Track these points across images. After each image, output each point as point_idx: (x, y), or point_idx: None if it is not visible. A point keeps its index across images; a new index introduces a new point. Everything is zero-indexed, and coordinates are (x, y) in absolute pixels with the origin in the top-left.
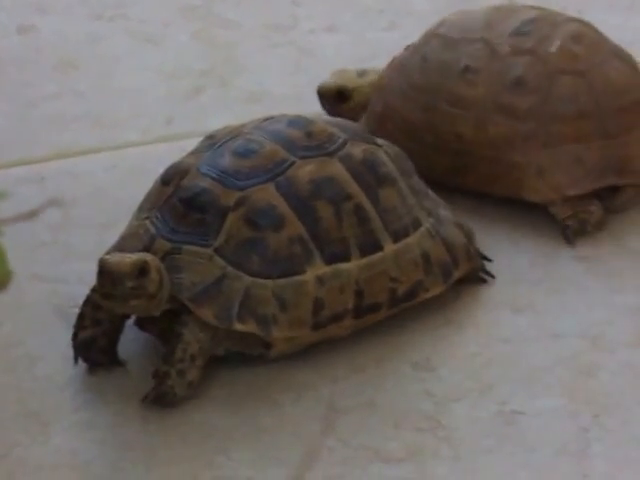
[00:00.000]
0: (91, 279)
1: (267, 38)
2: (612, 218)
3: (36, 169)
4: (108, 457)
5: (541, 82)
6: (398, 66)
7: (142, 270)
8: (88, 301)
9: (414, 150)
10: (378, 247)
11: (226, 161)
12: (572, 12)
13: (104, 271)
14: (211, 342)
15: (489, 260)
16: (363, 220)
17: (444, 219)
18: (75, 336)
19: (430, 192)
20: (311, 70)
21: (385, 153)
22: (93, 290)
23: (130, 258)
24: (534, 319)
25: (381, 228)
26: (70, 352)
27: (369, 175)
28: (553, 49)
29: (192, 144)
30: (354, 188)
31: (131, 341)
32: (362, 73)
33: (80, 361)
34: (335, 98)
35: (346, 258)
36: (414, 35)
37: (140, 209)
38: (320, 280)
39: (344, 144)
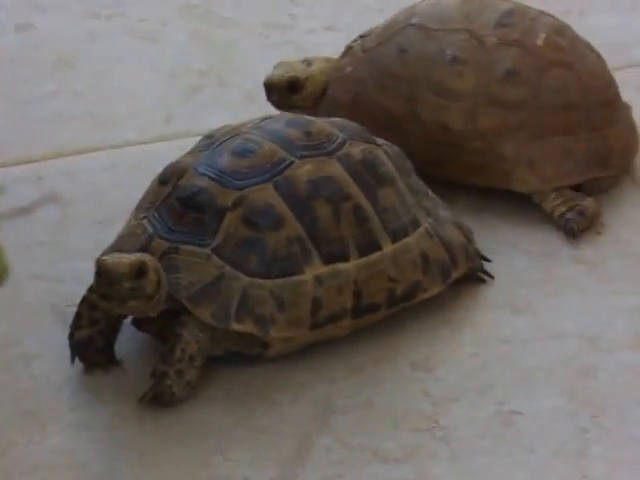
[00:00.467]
0: (89, 278)
1: (266, 37)
2: (611, 220)
3: (34, 168)
4: (105, 457)
5: (531, 74)
6: (367, 56)
7: (140, 271)
8: (85, 300)
9: (392, 140)
10: (377, 247)
11: (224, 161)
12: (575, 13)
13: (102, 272)
14: (210, 342)
15: (488, 260)
16: (362, 220)
17: (443, 219)
18: (72, 336)
19: (429, 192)
20: None
21: (384, 153)
22: (90, 290)
23: (128, 259)
24: (533, 320)
25: (380, 228)
26: (67, 351)
27: (368, 175)
28: (540, 42)
29: (190, 143)
30: (353, 188)
31: (128, 340)
32: (308, 62)
33: (77, 361)
34: (287, 89)
35: (345, 258)
36: None
37: (138, 208)
38: (318, 280)
39: (343, 144)
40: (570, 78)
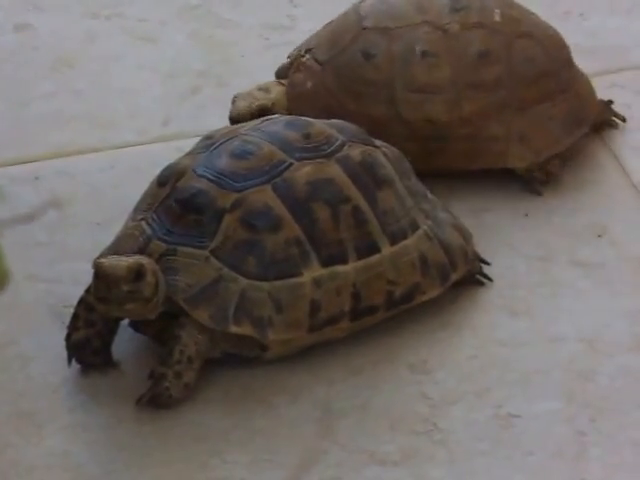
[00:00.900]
0: (86, 279)
1: (265, 39)
2: (610, 223)
3: (32, 168)
4: (101, 458)
5: (500, 51)
6: (328, 68)
7: (138, 274)
8: (82, 302)
9: None
10: (375, 249)
11: (223, 162)
12: (574, 15)
13: (100, 275)
14: (209, 344)
15: (487, 263)
16: (360, 222)
17: (442, 221)
18: (69, 337)
19: (428, 194)
20: None
21: (383, 155)
22: (87, 291)
23: (126, 261)
24: (531, 322)
25: (379, 230)
26: (64, 353)
27: (367, 177)
28: (497, 18)
29: (189, 144)
30: (352, 190)
31: (125, 342)
32: (265, 89)
33: (74, 362)
34: (257, 118)
35: (343, 260)
36: None
37: (136, 210)
38: (317, 282)
39: (342, 146)
40: (535, 47)
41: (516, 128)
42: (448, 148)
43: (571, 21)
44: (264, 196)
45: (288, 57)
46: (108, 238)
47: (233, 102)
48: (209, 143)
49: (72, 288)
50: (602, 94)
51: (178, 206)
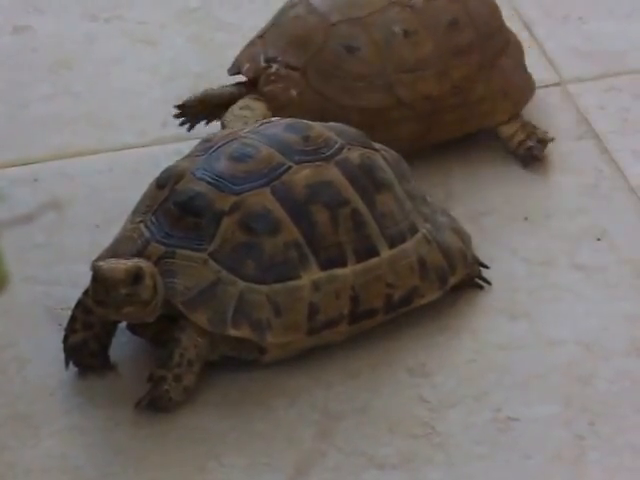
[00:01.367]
0: (84, 281)
1: None
2: (609, 227)
3: (31, 170)
4: (98, 461)
5: (462, 15)
6: (310, 72)
7: (136, 277)
8: (80, 304)
9: (378, 135)
10: (374, 252)
11: (222, 165)
12: (573, 19)
13: (98, 278)
14: (208, 347)
15: (486, 267)
16: (359, 225)
17: (441, 225)
18: (66, 339)
19: (428, 197)
20: None
21: (382, 158)
22: (85, 293)
23: (124, 264)
24: (530, 326)
25: (377, 233)
26: (61, 355)
27: (366, 180)
28: None
29: (188, 147)
30: (351, 193)
31: (123, 344)
32: (245, 106)
33: (71, 364)
34: None
35: (342, 263)
36: None
37: (135, 212)
38: (315, 285)
39: (341, 149)
40: (482, 6)
41: (495, 85)
42: (444, 120)
43: (570, 25)
44: (263, 199)
45: (234, 74)
46: (107, 240)
47: (223, 127)
48: (208, 146)
49: (70, 290)
50: (600, 98)
51: (177, 209)
